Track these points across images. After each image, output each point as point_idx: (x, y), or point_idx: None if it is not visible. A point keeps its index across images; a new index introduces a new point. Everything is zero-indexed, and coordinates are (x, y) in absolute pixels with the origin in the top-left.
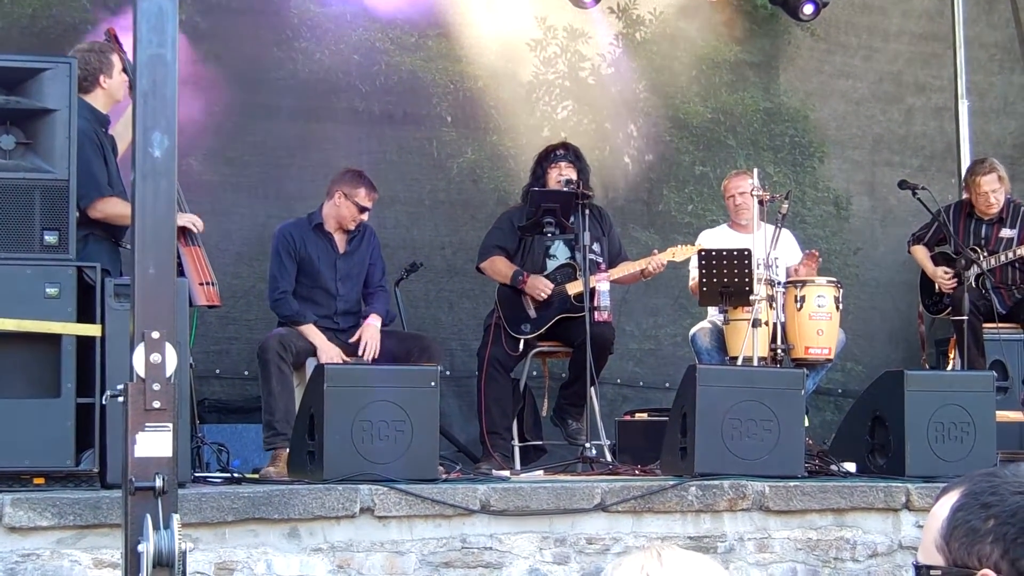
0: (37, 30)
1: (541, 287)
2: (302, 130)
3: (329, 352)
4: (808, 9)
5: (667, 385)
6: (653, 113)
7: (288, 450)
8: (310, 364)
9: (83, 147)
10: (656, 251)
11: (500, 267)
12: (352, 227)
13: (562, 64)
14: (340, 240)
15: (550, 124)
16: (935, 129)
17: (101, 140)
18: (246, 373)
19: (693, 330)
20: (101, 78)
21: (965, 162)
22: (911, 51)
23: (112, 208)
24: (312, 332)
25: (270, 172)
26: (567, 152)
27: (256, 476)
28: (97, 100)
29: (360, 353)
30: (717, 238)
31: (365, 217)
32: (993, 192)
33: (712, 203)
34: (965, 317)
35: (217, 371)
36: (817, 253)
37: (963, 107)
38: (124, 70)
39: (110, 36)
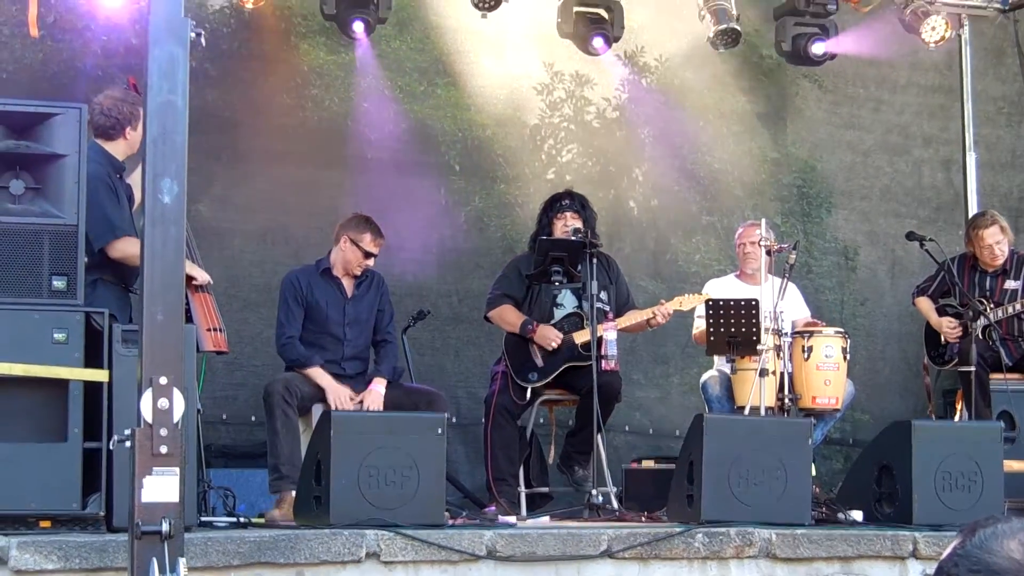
0: (48, 75)
1: (552, 337)
2: (311, 177)
3: (338, 392)
4: (819, 48)
5: (676, 433)
6: (660, 161)
7: (293, 492)
8: (316, 410)
9: (97, 191)
10: (663, 300)
11: (509, 316)
12: (358, 272)
13: (568, 108)
14: (348, 285)
15: (555, 167)
16: (943, 181)
17: (115, 185)
18: (253, 419)
19: (704, 377)
20: (127, 129)
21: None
22: (919, 103)
23: (131, 248)
24: (319, 374)
25: (278, 219)
26: (572, 201)
27: (262, 520)
28: (117, 148)
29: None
30: (724, 288)
31: (371, 263)
32: (997, 244)
33: (720, 253)
34: (973, 368)
35: (224, 416)
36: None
37: (971, 159)
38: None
39: (130, 86)
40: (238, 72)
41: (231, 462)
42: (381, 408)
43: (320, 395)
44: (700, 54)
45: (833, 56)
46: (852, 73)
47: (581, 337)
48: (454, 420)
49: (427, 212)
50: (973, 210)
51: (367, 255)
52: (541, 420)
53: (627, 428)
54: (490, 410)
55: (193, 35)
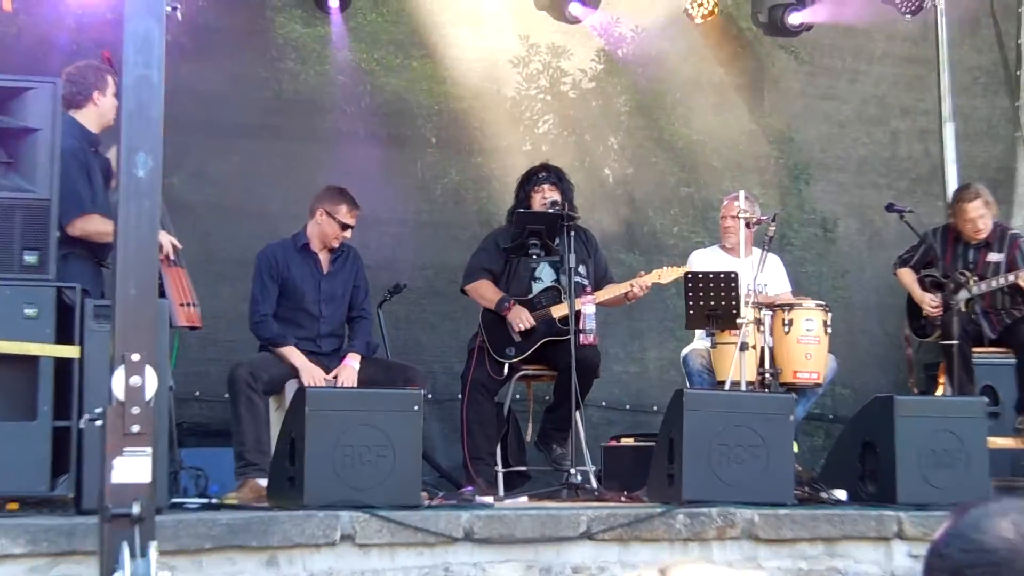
0: (21, 49)
1: (523, 319)
2: (286, 151)
3: (311, 372)
4: (795, 19)
5: (654, 409)
6: (636, 132)
7: (258, 480)
8: (290, 388)
9: (68, 165)
10: (642, 272)
11: (486, 291)
12: (335, 245)
13: (544, 79)
14: (324, 260)
15: (531, 138)
16: (920, 152)
17: (87, 159)
18: (226, 396)
19: (685, 351)
20: (95, 94)
21: (951, 185)
22: (895, 74)
23: (92, 226)
24: (293, 354)
25: (254, 192)
26: (549, 174)
27: (234, 500)
28: (88, 118)
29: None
30: (709, 259)
31: (348, 235)
32: (980, 218)
33: (698, 225)
34: (955, 341)
35: (197, 393)
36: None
37: (948, 130)
38: (116, 94)
39: (104, 60)
40: (213, 46)
41: (203, 440)
42: (355, 384)
43: (293, 374)
44: (677, 25)
45: (810, 27)
46: (828, 44)
47: (559, 311)
48: (430, 396)
49: (403, 185)
50: (951, 181)
51: (344, 227)
52: (518, 396)
53: (604, 404)
54: (466, 386)
55: (169, 9)
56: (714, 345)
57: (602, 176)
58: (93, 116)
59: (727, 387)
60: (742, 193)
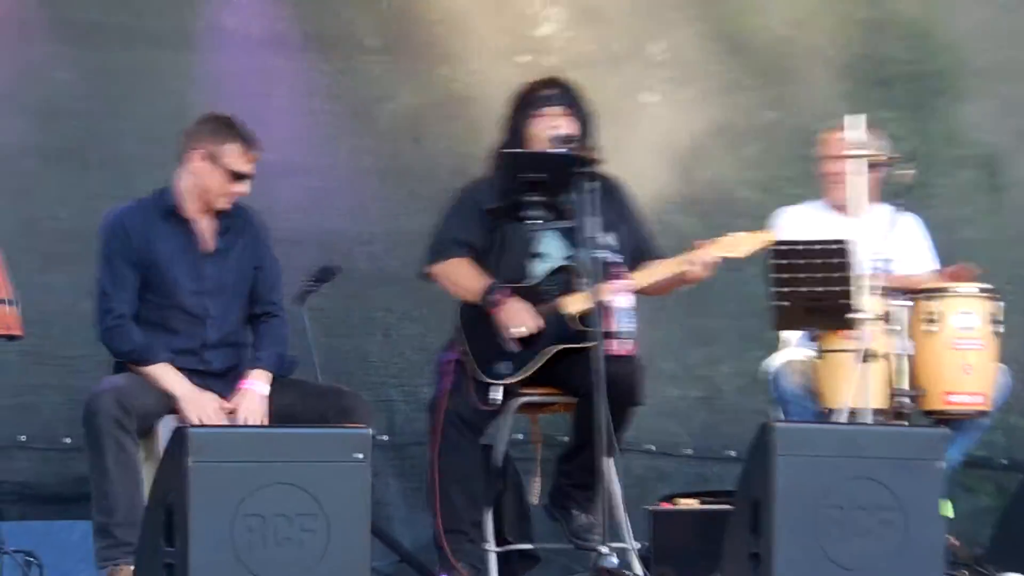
0: None
1: (522, 321)
2: (143, 60)
3: (196, 402)
4: None
5: (730, 454)
6: (691, 26)
7: (133, 567)
8: (165, 428)
9: None
10: (702, 242)
11: (463, 276)
12: (223, 206)
13: None
14: (207, 231)
15: (529, 46)
16: None
17: None
18: (67, 440)
19: (774, 363)
20: None
21: None
22: None
23: None
24: (167, 375)
25: (94, 126)
26: (559, 93)
27: None
28: None
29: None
30: (806, 221)
31: (243, 189)
32: None
33: (789, 167)
34: None
35: (22, 439)
36: (971, 268)
37: None
38: None
39: None
40: None
41: (35, 509)
42: (264, 419)
43: (169, 406)
44: None
45: None
46: None
47: (576, 304)
48: (385, 438)
49: (325, 112)
50: None
51: (236, 176)
52: (520, 436)
53: (652, 447)
54: (438, 422)
55: None
56: (819, 354)
57: (639, 99)
58: None
59: (841, 418)
60: (855, 119)
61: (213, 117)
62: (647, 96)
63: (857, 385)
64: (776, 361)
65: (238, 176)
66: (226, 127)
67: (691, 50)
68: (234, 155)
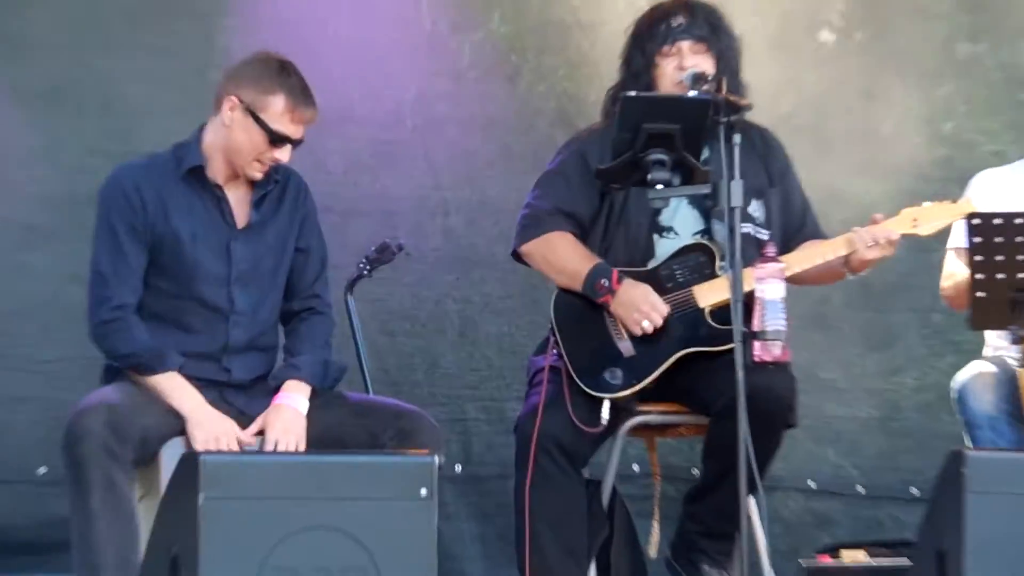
0: None
1: (647, 310)
2: None
3: (211, 424)
4: None
5: (912, 492)
6: None
7: None
8: (169, 455)
9: None
10: (877, 216)
11: (564, 253)
12: (259, 175)
13: None
14: (239, 201)
15: None
16: None
17: None
18: (42, 472)
19: (961, 378)
20: None
21: None
22: None
23: None
24: (176, 388)
25: (91, 61)
26: (692, 20)
27: None
28: None
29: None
30: (1010, 187)
31: (283, 157)
32: None
33: (991, 117)
34: None
35: None
36: None
37: None
38: None
39: None
40: None
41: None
42: (302, 444)
43: (175, 428)
44: None
45: None
46: None
47: (710, 295)
48: (458, 468)
49: (392, 44)
50: None
51: (279, 140)
52: (634, 468)
53: (810, 482)
54: (529, 448)
55: None
56: (1022, 363)
57: (814, 44)
58: None
59: None
60: None
61: (264, 58)
62: (823, 32)
63: None
64: (964, 374)
65: (278, 139)
66: (276, 74)
67: None
68: (278, 111)
